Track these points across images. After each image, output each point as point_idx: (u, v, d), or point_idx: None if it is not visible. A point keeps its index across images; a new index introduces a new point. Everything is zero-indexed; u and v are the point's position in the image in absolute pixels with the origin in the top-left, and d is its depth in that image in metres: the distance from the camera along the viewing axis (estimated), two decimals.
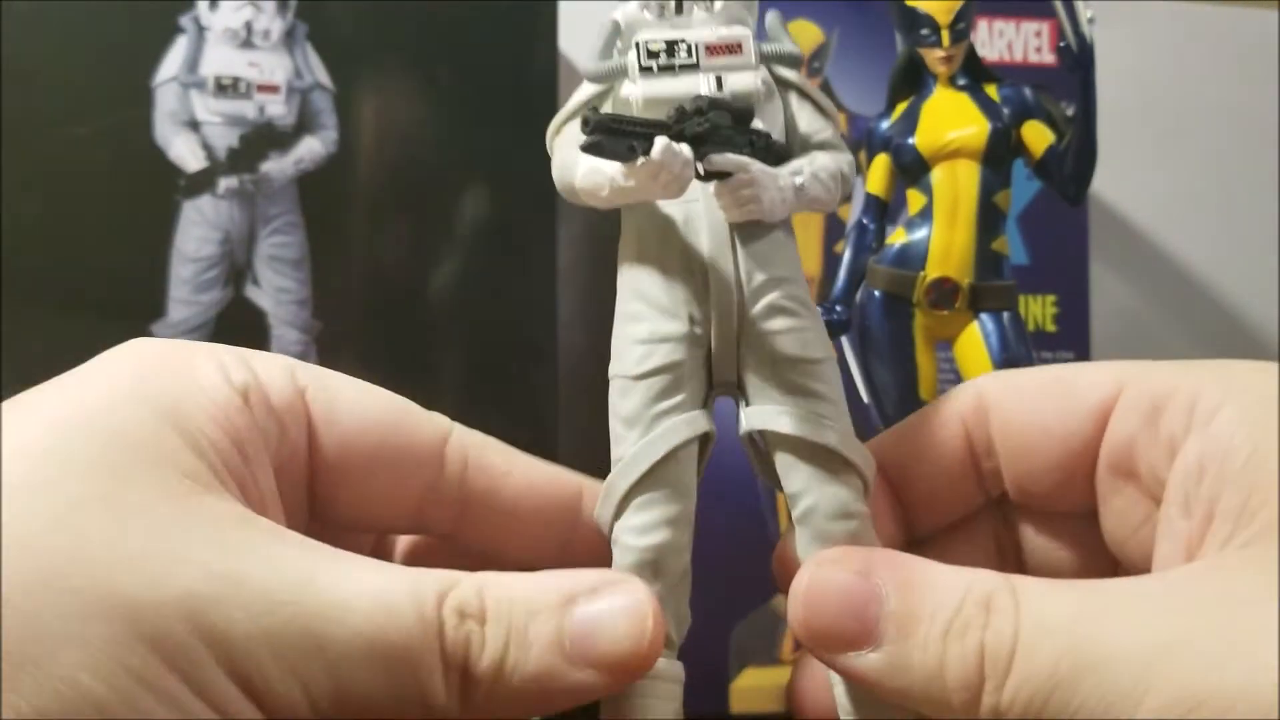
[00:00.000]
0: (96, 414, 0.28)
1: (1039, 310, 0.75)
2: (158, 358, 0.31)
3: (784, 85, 0.35)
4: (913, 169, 0.63)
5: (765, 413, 0.33)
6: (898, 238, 0.63)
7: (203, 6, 0.63)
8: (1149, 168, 0.85)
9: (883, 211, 0.65)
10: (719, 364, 0.33)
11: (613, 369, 0.34)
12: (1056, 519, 0.37)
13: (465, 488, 0.36)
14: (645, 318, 0.33)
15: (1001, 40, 0.76)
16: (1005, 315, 0.62)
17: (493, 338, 0.65)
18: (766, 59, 0.34)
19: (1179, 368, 0.32)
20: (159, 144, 0.62)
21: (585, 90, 0.34)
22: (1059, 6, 0.60)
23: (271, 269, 0.64)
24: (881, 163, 0.64)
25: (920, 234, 0.62)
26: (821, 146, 0.35)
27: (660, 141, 0.30)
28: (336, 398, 0.34)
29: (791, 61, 0.35)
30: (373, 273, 0.64)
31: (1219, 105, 0.88)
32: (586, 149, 0.30)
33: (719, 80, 0.33)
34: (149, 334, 0.61)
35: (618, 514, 0.32)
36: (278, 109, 0.64)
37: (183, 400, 0.29)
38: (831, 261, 0.71)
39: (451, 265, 0.65)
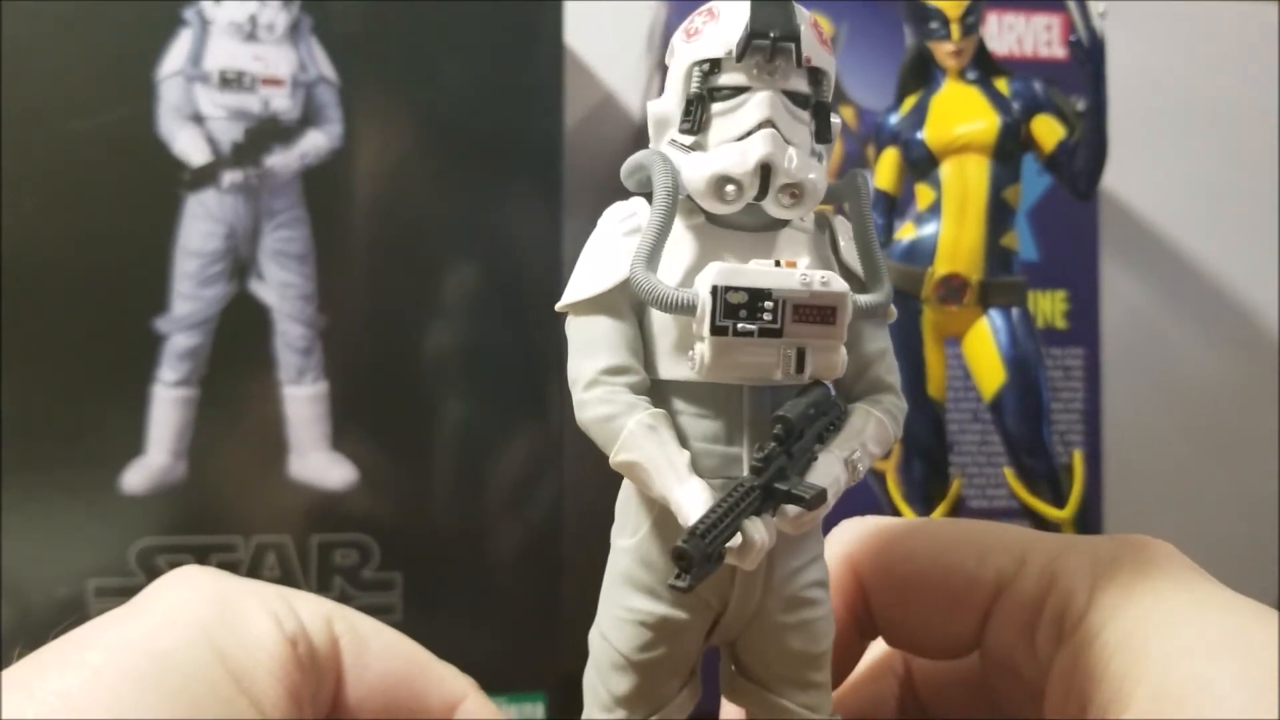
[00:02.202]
0: (167, 668, 0.28)
1: (1049, 306, 0.75)
2: (213, 601, 0.31)
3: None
4: (921, 164, 0.62)
5: (754, 694, 0.32)
6: (906, 233, 0.62)
7: (206, 0, 0.63)
8: (1160, 162, 0.84)
9: (891, 207, 0.64)
10: (722, 633, 0.31)
11: (604, 631, 0.31)
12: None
13: None
14: (655, 595, 0.30)
15: (1011, 34, 0.76)
16: (1015, 312, 0.62)
17: (497, 332, 0.64)
18: (860, 314, 0.29)
19: (1055, 561, 0.32)
20: (163, 138, 0.62)
21: (608, 271, 0.29)
22: (1070, 1, 0.60)
23: (276, 263, 0.63)
24: (890, 157, 0.64)
25: (929, 229, 0.61)
26: (879, 374, 0.31)
27: (753, 542, 0.27)
28: (366, 649, 0.34)
29: (886, 302, 0.30)
30: (378, 267, 0.64)
31: (1232, 100, 0.87)
32: (685, 590, 0.26)
33: (800, 356, 0.28)
34: (152, 328, 0.61)
35: None
36: (282, 103, 0.63)
37: (244, 654, 0.30)
38: None
39: (457, 258, 0.64)
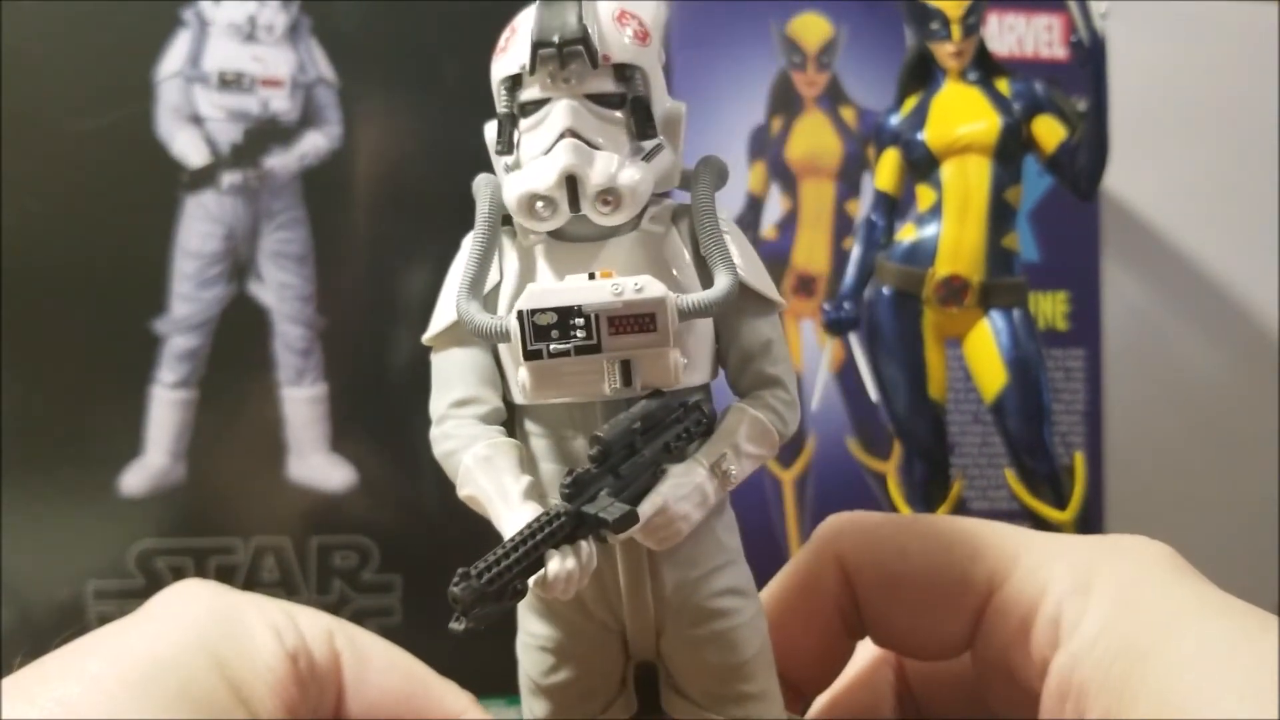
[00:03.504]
0: (166, 677, 0.28)
1: (1050, 308, 0.75)
2: (214, 614, 0.31)
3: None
4: (922, 164, 0.62)
5: (687, 711, 0.31)
6: (907, 234, 0.62)
7: (205, 1, 0.62)
8: (1162, 163, 0.84)
9: (892, 208, 0.64)
10: (635, 649, 0.30)
11: (518, 656, 0.31)
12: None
13: None
14: (549, 620, 0.29)
15: (1012, 35, 0.76)
16: (1015, 313, 0.61)
17: None
18: (690, 315, 0.27)
19: (1050, 560, 0.31)
20: (162, 139, 0.62)
21: (452, 306, 0.29)
22: (1071, 2, 0.59)
23: (275, 265, 0.63)
24: (891, 158, 0.63)
25: (930, 230, 0.61)
26: (761, 367, 0.30)
27: (553, 575, 0.26)
28: (367, 665, 0.34)
29: (724, 298, 0.27)
30: (377, 268, 0.64)
31: (1232, 100, 0.87)
32: (461, 632, 0.25)
33: (624, 369, 0.27)
34: (151, 329, 0.61)
35: None
36: (281, 104, 0.63)
37: (244, 666, 0.30)
38: (840, 257, 0.70)
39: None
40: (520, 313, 0.26)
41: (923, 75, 0.64)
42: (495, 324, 0.27)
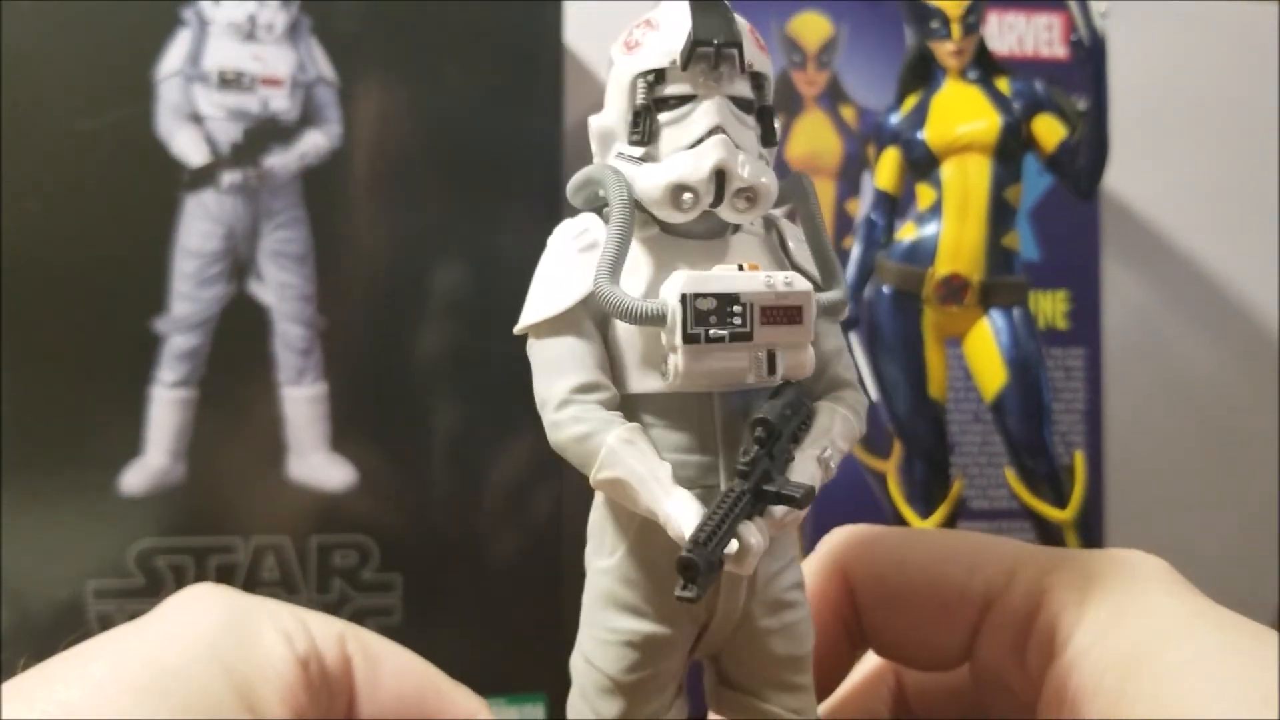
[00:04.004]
0: (171, 682, 0.28)
1: (1050, 307, 0.75)
2: (223, 619, 0.31)
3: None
4: (922, 163, 0.62)
5: (741, 703, 0.31)
6: (907, 233, 0.62)
7: (205, 0, 0.62)
8: (1162, 162, 0.84)
9: (892, 207, 0.64)
10: (706, 643, 0.31)
11: (587, 655, 0.31)
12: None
13: None
14: (639, 614, 0.30)
15: (1012, 33, 0.76)
16: (1015, 312, 0.61)
17: (496, 333, 0.64)
18: (825, 312, 0.30)
19: (1046, 574, 0.32)
20: (162, 138, 0.62)
21: (568, 289, 0.29)
22: (1071, 1, 0.59)
23: (275, 264, 0.63)
24: (891, 157, 0.63)
25: (930, 229, 0.61)
26: (838, 371, 0.32)
27: (749, 546, 0.27)
28: (379, 669, 0.34)
29: (845, 300, 0.30)
30: (377, 267, 0.64)
31: (1232, 100, 0.87)
32: (693, 600, 0.26)
33: (770, 359, 0.28)
34: (151, 329, 0.61)
35: None
36: (281, 103, 0.63)
37: (252, 672, 0.30)
38: (840, 257, 0.70)
39: (456, 259, 0.64)
40: (684, 295, 0.27)
41: (923, 74, 0.64)
42: (648, 307, 0.28)
